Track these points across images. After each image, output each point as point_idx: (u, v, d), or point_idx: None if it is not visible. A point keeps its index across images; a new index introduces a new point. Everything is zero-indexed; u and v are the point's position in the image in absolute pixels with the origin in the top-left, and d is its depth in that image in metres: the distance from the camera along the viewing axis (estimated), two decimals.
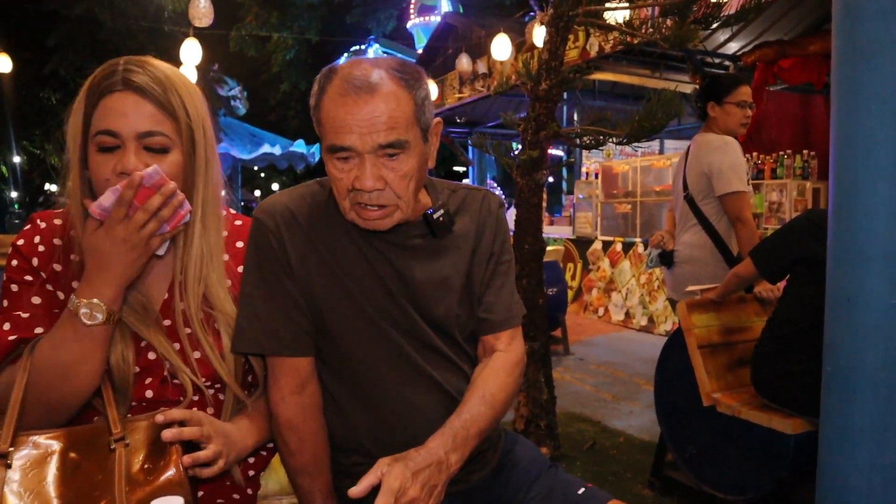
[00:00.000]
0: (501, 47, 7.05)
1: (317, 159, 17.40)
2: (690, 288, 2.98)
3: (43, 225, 1.28)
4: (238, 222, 1.42)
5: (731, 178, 3.05)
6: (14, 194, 28.16)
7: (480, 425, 1.30)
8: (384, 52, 16.27)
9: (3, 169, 19.51)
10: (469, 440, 1.28)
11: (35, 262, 1.24)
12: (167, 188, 1.16)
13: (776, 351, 2.52)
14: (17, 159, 20.23)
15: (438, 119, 1.32)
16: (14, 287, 1.23)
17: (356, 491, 1.13)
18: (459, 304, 1.39)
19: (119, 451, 1.12)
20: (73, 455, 1.12)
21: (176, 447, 1.13)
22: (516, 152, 3.35)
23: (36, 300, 1.23)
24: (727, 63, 7.65)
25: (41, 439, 1.12)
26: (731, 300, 2.93)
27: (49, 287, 1.24)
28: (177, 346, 1.27)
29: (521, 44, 8.61)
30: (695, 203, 3.20)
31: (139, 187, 1.13)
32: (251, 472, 1.40)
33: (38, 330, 1.20)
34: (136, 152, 1.18)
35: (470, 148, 14.73)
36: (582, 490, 1.40)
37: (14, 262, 1.25)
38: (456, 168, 21.75)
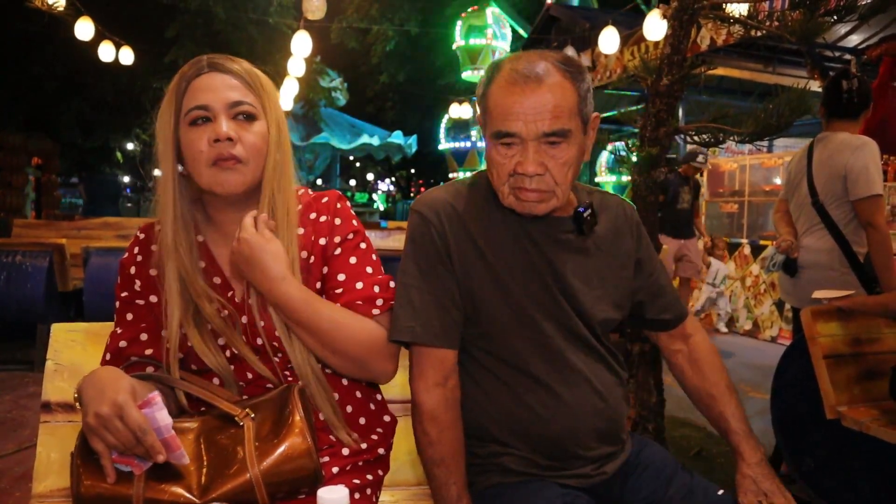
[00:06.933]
0: (609, 40, 6.87)
1: (413, 151, 17.58)
2: (817, 294, 2.84)
3: (142, 236, 1.38)
4: (311, 194, 1.43)
5: (870, 180, 2.89)
6: (126, 178, 29.70)
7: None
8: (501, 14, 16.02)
9: (119, 155, 20.58)
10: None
11: (133, 270, 1.34)
12: (155, 448, 1.07)
13: None
14: (129, 146, 21.27)
15: (596, 114, 1.34)
16: (116, 303, 1.35)
17: None
18: (609, 303, 1.43)
19: (247, 424, 1.18)
20: (209, 432, 1.20)
21: (301, 422, 1.17)
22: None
23: (129, 316, 1.33)
24: (848, 57, 7.25)
25: (180, 424, 1.19)
26: None
27: (140, 301, 1.33)
28: (259, 340, 1.30)
29: (629, 36, 8.40)
30: (824, 208, 3.05)
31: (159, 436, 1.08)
32: (381, 451, 1.41)
33: (122, 343, 1.30)
34: (227, 121, 1.25)
35: None
36: (721, 492, 1.41)
37: (118, 280, 1.36)
38: None
